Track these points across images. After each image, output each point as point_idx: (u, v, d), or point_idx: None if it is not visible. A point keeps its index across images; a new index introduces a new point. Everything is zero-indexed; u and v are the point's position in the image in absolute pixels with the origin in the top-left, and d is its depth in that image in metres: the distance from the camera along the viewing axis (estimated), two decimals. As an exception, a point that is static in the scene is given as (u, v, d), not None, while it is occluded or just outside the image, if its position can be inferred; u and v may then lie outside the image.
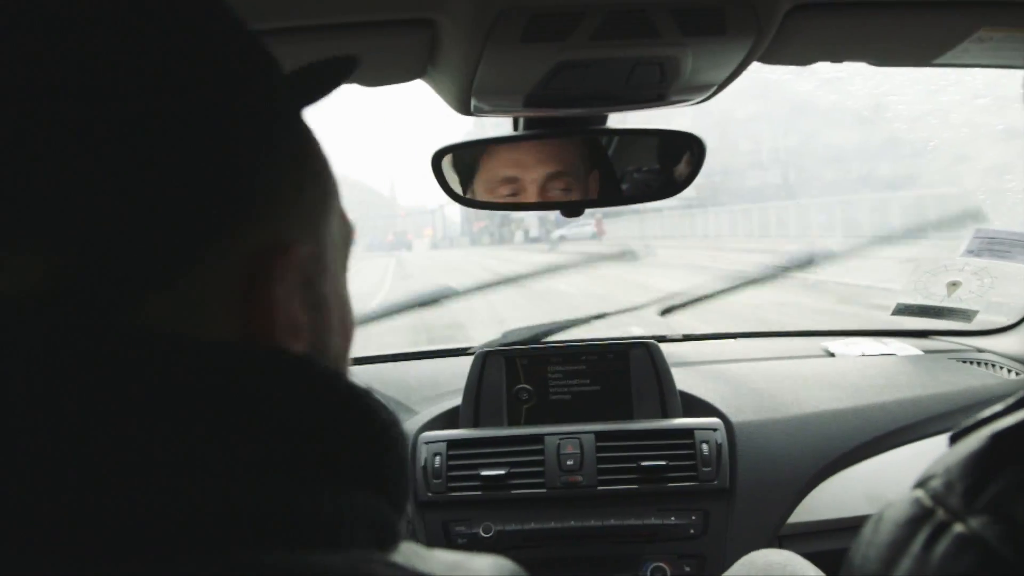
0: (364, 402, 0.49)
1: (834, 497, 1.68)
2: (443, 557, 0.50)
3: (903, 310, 2.14)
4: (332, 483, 0.45)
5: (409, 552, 0.48)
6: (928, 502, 0.55)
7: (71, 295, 0.41)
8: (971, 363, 2.01)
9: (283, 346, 0.48)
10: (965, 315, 2.07)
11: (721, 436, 1.75)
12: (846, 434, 1.74)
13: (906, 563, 0.56)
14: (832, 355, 2.13)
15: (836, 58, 1.21)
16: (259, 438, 0.43)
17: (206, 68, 0.46)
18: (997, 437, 0.54)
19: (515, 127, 1.45)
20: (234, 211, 0.46)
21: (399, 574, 0.45)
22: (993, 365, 1.97)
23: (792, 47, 1.14)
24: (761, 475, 1.71)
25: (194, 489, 0.40)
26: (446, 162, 1.43)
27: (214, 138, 0.45)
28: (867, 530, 0.63)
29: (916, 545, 0.55)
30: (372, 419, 0.49)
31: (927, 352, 2.11)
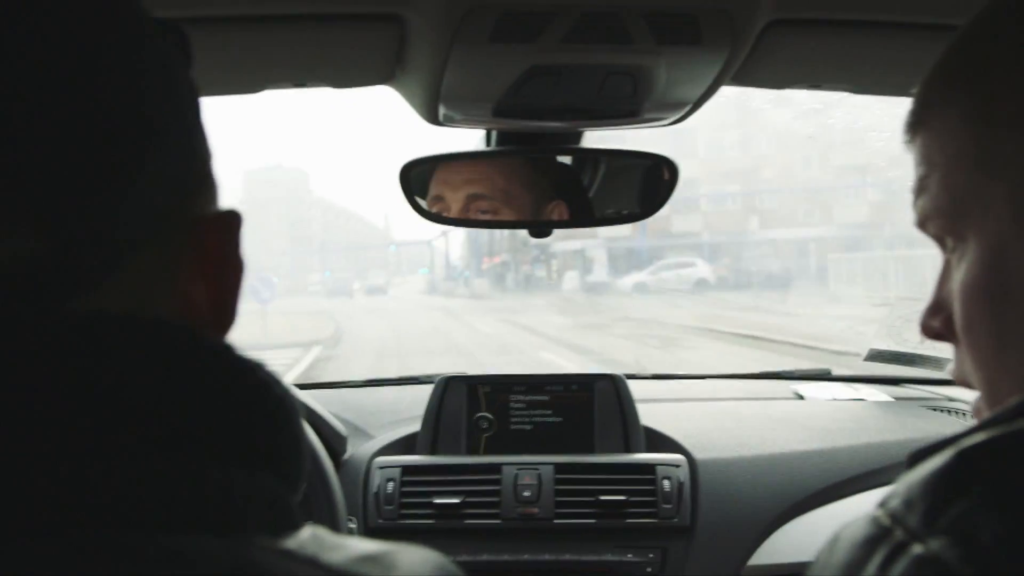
0: (256, 376, 0.47)
1: (797, 540, 1.62)
2: (357, 546, 0.45)
3: (875, 356, 2.11)
4: (222, 462, 0.43)
5: (313, 539, 0.44)
6: (886, 521, 0.52)
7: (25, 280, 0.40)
8: (942, 411, 1.98)
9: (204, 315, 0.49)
10: (937, 363, 2.04)
11: (684, 473, 1.70)
12: (812, 476, 1.70)
13: None
14: (802, 398, 2.09)
15: (813, 81, 1.18)
16: (142, 415, 0.41)
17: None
18: (963, 455, 0.51)
19: (487, 142, 1.42)
20: (185, 184, 0.47)
21: (288, 563, 0.41)
22: (964, 414, 1.94)
23: (768, 66, 1.11)
24: (723, 514, 1.66)
25: (63, 468, 0.38)
26: (416, 177, 1.41)
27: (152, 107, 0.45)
28: (823, 551, 0.60)
29: (872, 566, 0.53)
30: (264, 394, 0.47)
31: (897, 399, 2.08)
